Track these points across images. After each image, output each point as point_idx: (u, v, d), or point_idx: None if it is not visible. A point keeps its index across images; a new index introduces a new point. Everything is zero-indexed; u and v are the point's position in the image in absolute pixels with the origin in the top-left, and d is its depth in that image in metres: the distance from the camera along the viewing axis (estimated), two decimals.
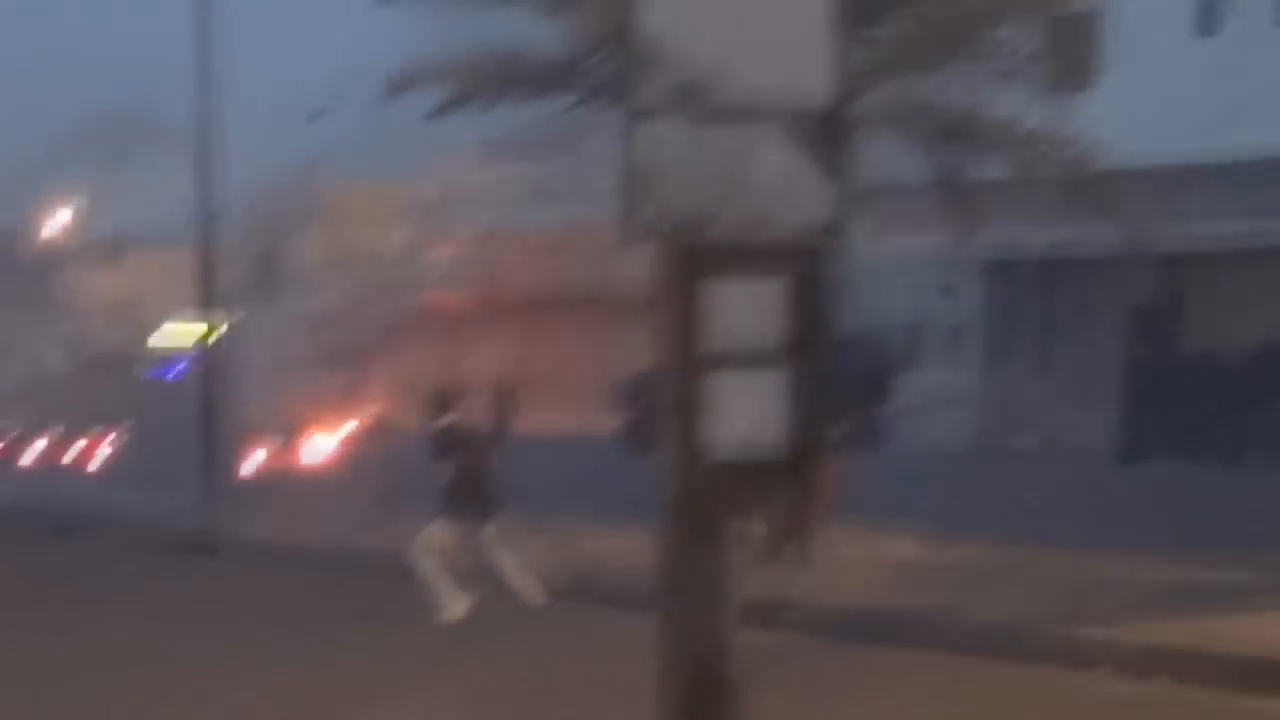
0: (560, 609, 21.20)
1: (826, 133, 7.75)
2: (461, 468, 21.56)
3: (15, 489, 42.87)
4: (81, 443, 52.69)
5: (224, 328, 41.15)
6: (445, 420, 21.96)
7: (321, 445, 44.55)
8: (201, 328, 40.37)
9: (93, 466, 50.61)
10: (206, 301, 38.73)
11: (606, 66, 22.49)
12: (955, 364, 47.45)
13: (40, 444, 53.81)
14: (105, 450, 51.33)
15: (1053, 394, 43.96)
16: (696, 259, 7.64)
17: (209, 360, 39.44)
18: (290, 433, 44.44)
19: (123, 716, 16.18)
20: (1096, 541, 22.59)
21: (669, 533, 8.15)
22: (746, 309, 7.68)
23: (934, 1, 23.48)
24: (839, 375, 17.03)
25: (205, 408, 38.30)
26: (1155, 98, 38.91)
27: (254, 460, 42.17)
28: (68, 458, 52.25)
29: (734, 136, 7.57)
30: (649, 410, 47.17)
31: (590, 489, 29.41)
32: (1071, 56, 25.73)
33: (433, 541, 21.46)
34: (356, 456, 44.11)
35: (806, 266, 7.76)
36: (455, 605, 21.00)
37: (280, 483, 39.20)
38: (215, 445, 37.77)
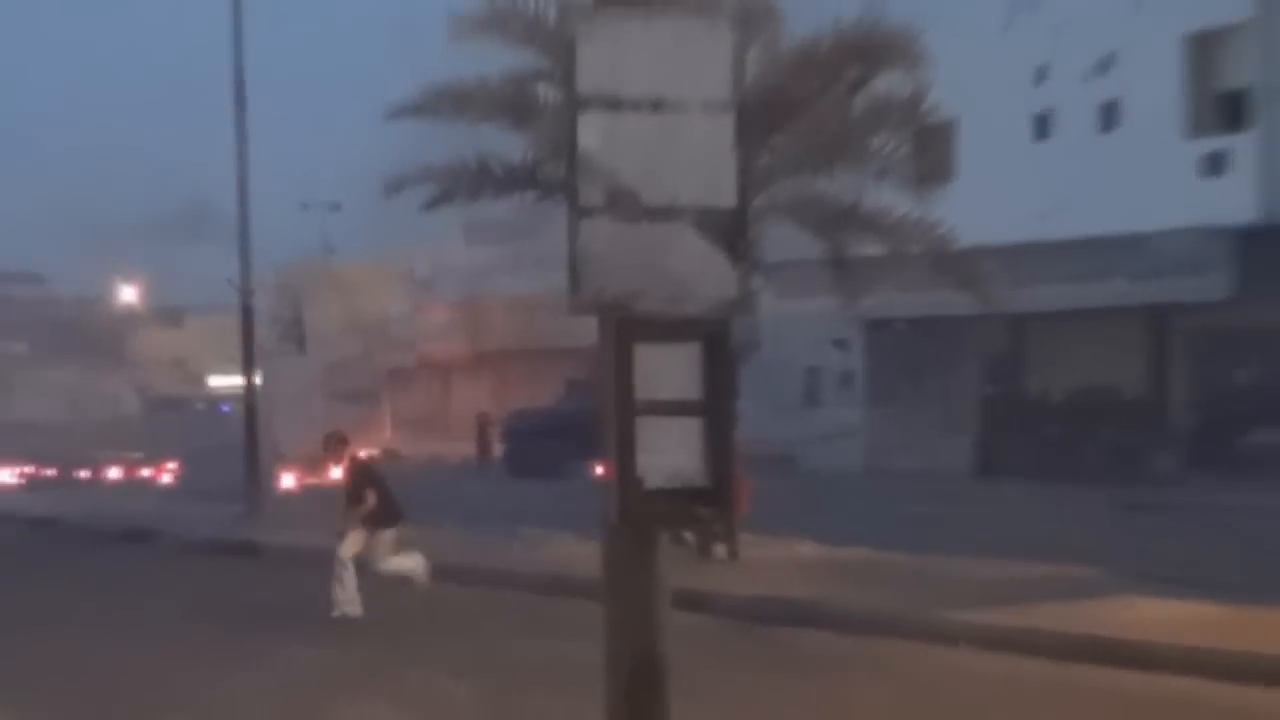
0: (533, 600, 21.17)
1: (730, 227, 7.76)
2: (378, 495, 21.15)
3: (99, 502, 42.74)
4: (150, 467, 52.67)
5: (260, 376, 41.09)
6: (356, 463, 21.70)
7: (287, 478, 44.51)
8: (242, 377, 40.40)
9: (159, 484, 50.53)
10: (247, 356, 38.67)
11: (559, 170, 22.52)
12: (846, 402, 47.54)
13: (118, 467, 53.73)
14: (169, 472, 51.29)
15: (924, 426, 44.05)
16: (629, 328, 7.66)
17: (249, 402, 39.37)
18: (314, 459, 44.31)
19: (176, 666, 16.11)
20: (959, 545, 22.61)
21: (611, 543, 8.18)
22: (670, 368, 7.69)
23: (824, 114, 23.50)
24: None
25: (248, 438, 38.33)
26: (1001, 189, 39.13)
27: (285, 481, 42.05)
28: (140, 477, 52.22)
29: (658, 231, 7.59)
30: (524, 441, 47.14)
31: (557, 505, 29.32)
32: (934, 158, 25.77)
33: (347, 549, 20.94)
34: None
35: (717, 334, 7.79)
36: (352, 607, 20.61)
37: (307, 499, 39.06)
38: (256, 468, 37.75)
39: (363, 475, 21.37)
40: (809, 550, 22.97)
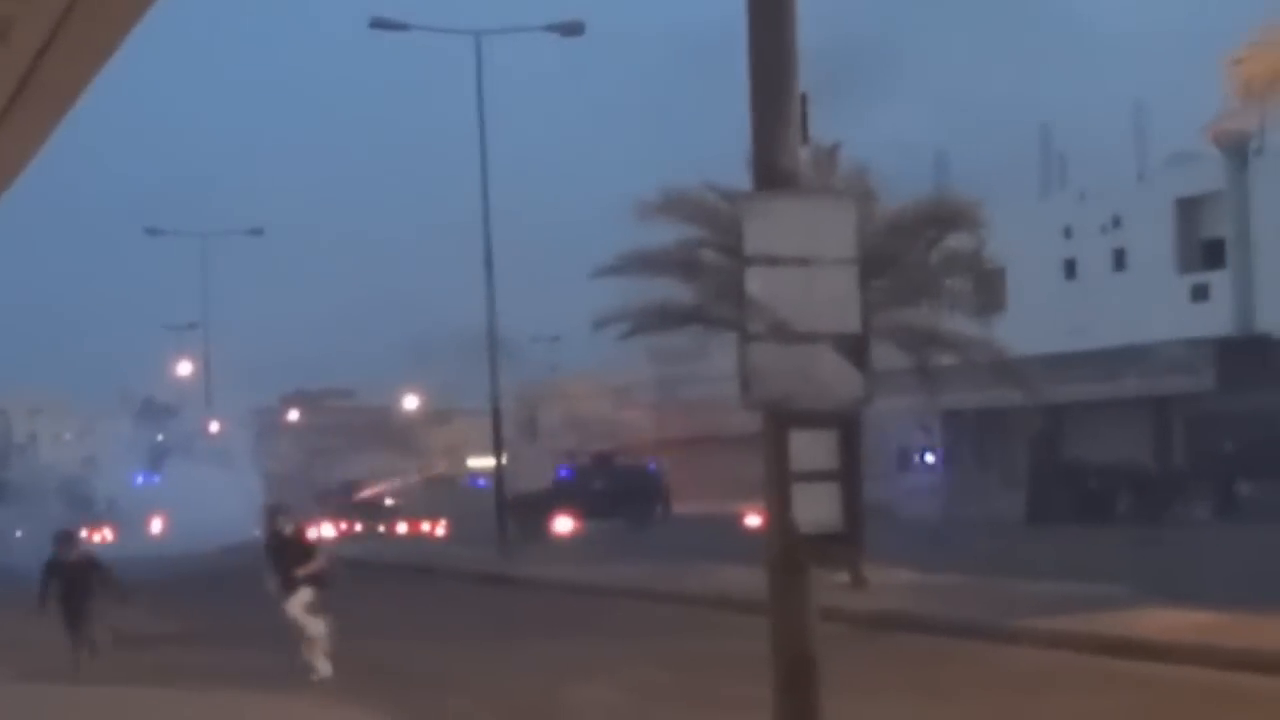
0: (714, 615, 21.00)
1: (855, 346, 7.86)
2: (285, 560, 16.41)
3: (393, 549, 43.20)
4: (428, 523, 53.00)
5: (506, 459, 41.38)
6: (275, 529, 16.78)
7: (563, 522, 44.47)
8: (493, 459, 40.69)
9: (435, 536, 50.79)
10: (497, 444, 38.93)
11: (720, 310, 22.60)
12: (930, 470, 47.15)
13: (406, 523, 54.15)
14: (442, 527, 51.49)
15: (986, 486, 43.55)
16: (786, 418, 7.75)
17: (499, 477, 39.60)
18: (545, 515, 44.33)
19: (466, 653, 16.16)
20: (1019, 571, 22.26)
21: (774, 572, 8.19)
22: (815, 447, 7.77)
23: (910, 265, 23.49)
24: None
25: (498, 503, 38.50)
26: (1040, 315, 38.80)
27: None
28: (421, 531, 52.55)
29: (804, 350, 7.69)
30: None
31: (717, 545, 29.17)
32: (990, 293, 25.63)
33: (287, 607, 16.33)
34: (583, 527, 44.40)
35: (848, 423, 7.86)
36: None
37: (540, 545, 39.23)
38: (504, 521, 37.69)
39: (272, 546, 16.87)
40: (908, 575, 22.66)
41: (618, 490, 43.61)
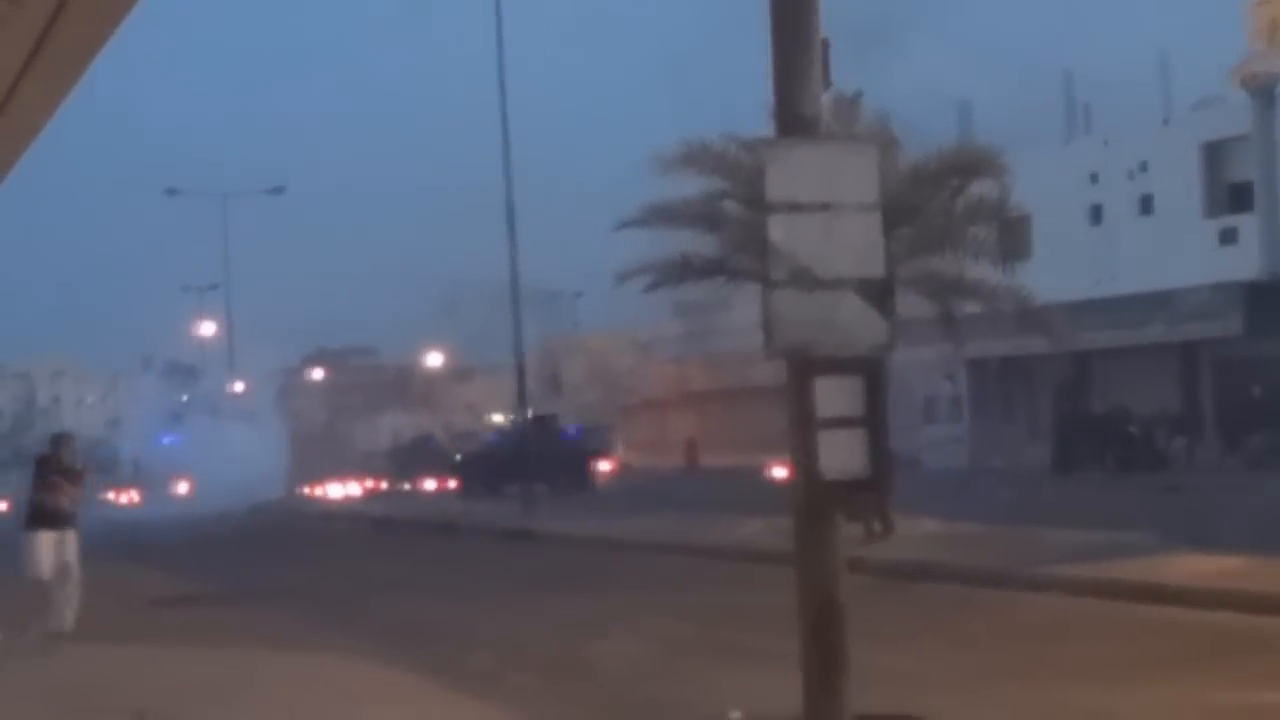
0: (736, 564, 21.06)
1: (879, 292, 7.89)
2: (52, 492, 15.69)
3: (418, 506, 43.35)
4: (454, 479, 52.97)
5: (530, 414, 41.46)
6: (62, 458, 15.87)
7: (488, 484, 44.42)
8: (515, 416, 40.74)
9: (462, 492, 50.81)
10: (521, 399, 38.95)
11: (743, 261, 22.59)
12: (954, 420, 47.11)
13: (430, 480, 54.10)
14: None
15: (1013, 435, 43.53)
16: (809, 366, 7.78)
17: (525, 432, 39.68)
18: (480, 476, 44.66)
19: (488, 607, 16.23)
20: (1043, 520, 22.27)
21: (800, 520, 8.25)
22: (839, 394, 7.80)
23: (934, 213, 23.42)
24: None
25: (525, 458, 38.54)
26: (1066, 262, 38.65)
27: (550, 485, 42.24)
28: (448, 487, 52.53)
29: (827, 297, 7.72)
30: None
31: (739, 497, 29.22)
32: (1015, 241, 25.54)
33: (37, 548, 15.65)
34: (611, 480, 44.43)
35: (872, 369, 7.89)
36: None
37: (564, 499, 39.27)
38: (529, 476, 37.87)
39: (38, 470, 15.99)
40: (933, 526, 22.67)
41: (543, 454, 43.60)
